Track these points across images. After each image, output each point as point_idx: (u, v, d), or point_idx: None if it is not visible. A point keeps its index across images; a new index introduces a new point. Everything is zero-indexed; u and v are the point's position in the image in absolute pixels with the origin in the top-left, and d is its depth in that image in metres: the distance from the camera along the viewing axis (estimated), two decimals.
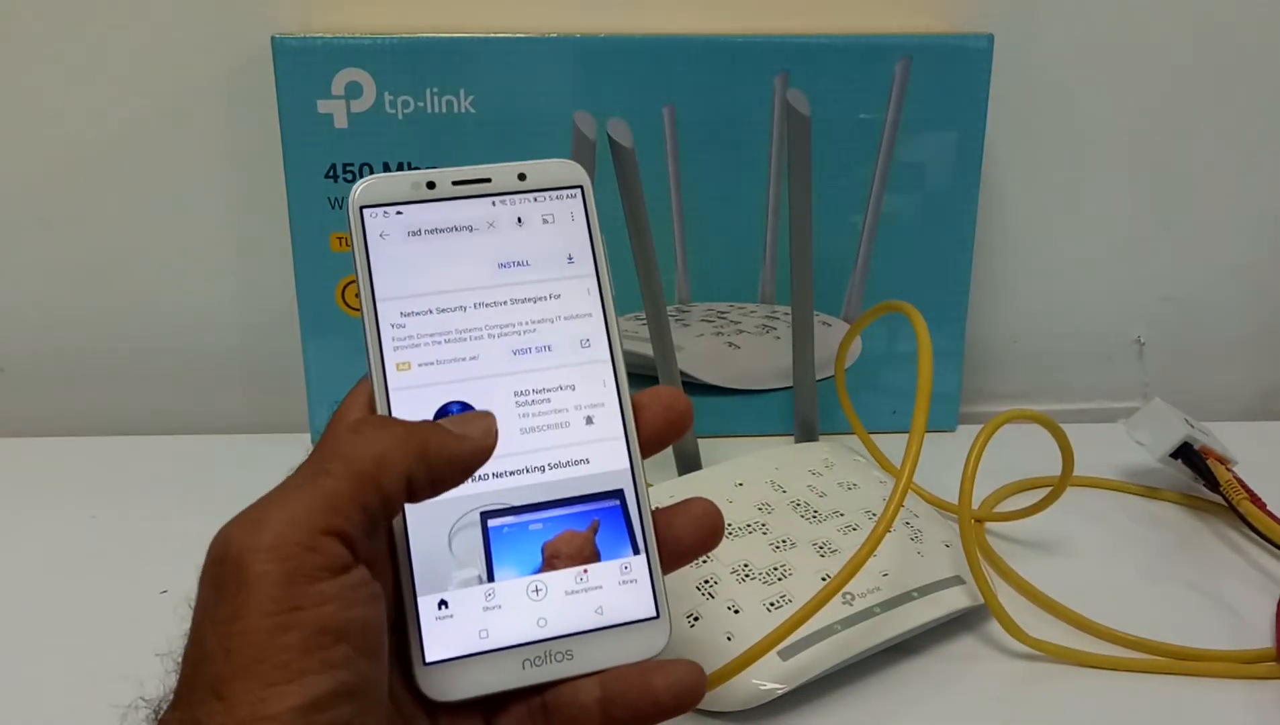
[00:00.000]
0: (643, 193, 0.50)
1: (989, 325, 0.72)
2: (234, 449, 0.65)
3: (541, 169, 0.36)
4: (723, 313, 0.65)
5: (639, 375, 0.62)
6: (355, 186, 0.34)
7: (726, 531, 0.48)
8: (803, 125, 0.52)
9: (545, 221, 0.36)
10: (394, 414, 0.33)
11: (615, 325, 0.35)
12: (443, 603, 0.32)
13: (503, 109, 0.59)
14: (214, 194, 0.66)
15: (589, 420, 0.35)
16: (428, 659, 0.31)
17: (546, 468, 0.34)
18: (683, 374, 0.57)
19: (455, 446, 0.30)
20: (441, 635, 0.32)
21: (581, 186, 0.36)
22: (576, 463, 0.34)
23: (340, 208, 0.60)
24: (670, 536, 0.34)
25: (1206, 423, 0.61)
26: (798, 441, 0.60)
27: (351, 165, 0.59)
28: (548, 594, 0.33)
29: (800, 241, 0.55)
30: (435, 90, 0.59)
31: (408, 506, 0.31)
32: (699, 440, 0.57)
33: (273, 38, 0.58)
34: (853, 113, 0.61)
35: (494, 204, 0.35)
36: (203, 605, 0.27)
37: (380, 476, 0.29)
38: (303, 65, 0.58)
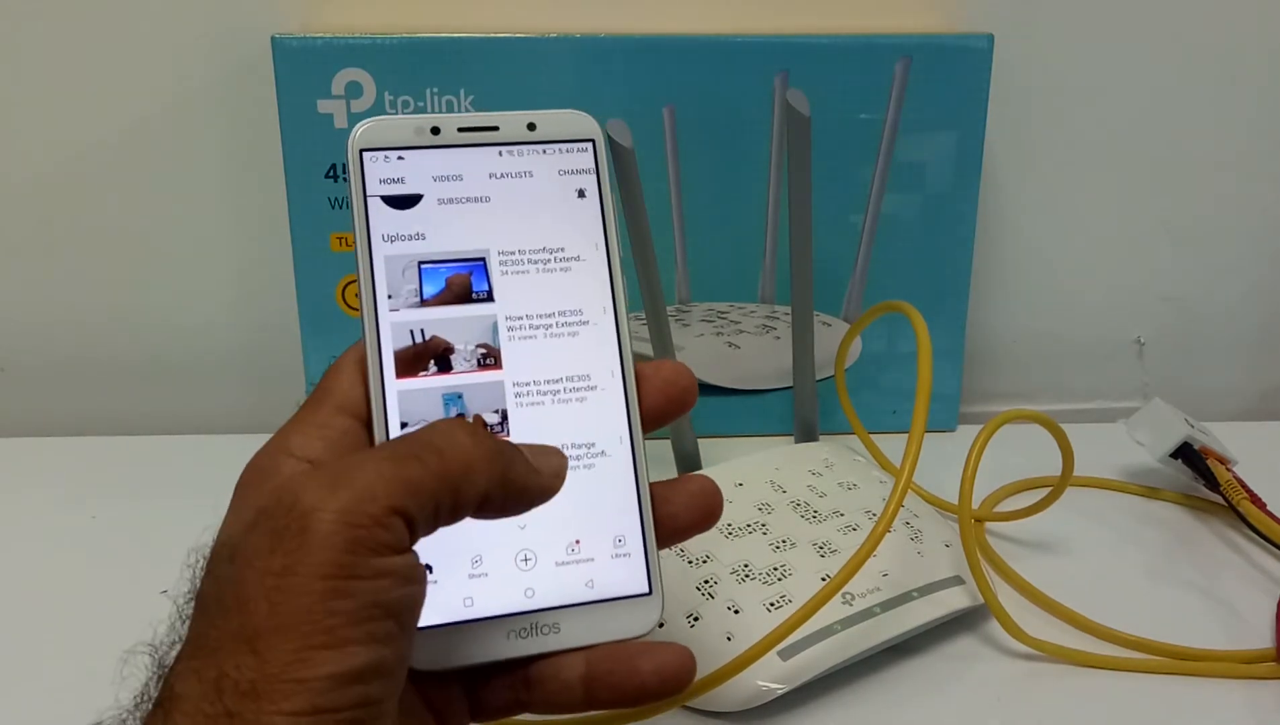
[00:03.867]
0: (643, 193, 0.50)
1: (989, 325, 0.72)
2: (234, 449, 0.64)
3: (552, 120, 0.34)
4: (723, 313, 0.65)
5: None
6: (355, 128, 0.32)
7: (727, 531, 0.48)
8: (803, 125, 0.52)
9: (558, 174, 0.34)
10: (385, 364, 0.32)
11: (622, 292, 0.34)
12: (427, 567, 0.31)
13: (503, 109, 0.59)
14: (214, 194, 0.66)
15: (590, 388, 0.34)
16: None
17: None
18: None
19: (531, 479, 0.30)
20: (425, 601, 0.30)
21: (593, 140, 0.34)
22: (578, 443, 0.33)
23: (341, 208, 0.60)
24: (666, 513, 0.34)
25: (1206, 423, 0.61)
26: (798, 441, 0.60)
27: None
28: (536, 563, 0.32)
29: (800, 241, 0.55)
30: (435, 90, 0.59)
31: None
32: (699, 440, 0.57)
33: (273, 38, 0.58)
34: (853, 113, 0.61)
35: (500, 154, 0.34)
36: (251, 550, 0.26)
37: (463, 484, 0.28)
38: (303, 65, 0.58)
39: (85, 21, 0.63)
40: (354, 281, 0.36)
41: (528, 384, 0.33)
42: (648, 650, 0.32)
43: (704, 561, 0.47)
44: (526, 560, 0.32)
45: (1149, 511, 0.60)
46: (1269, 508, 0.55)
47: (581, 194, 0.34)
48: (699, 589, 0.46)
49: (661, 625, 0.33)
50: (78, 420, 0.69)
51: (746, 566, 0.47)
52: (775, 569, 0.47)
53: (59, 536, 0.56)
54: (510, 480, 0.29)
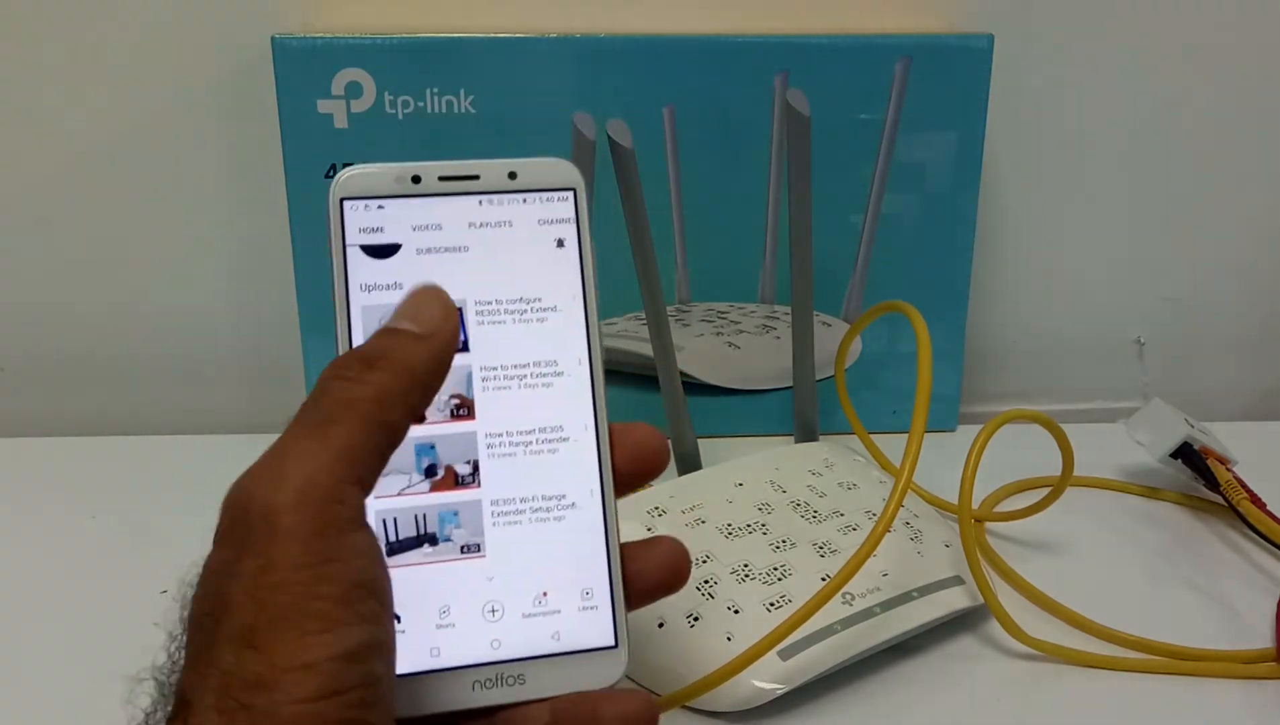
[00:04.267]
0: (643, 193, 0.50)
1: (989, 325, 0.72)
2: (234, 449, 0.64)
3: (532, 168, 0.34)
4: (723, 313, 0.65)
5: (639, 375, 0.62)
6: (337, 177, 0.33)
7: (726, 531, 0.48)
8: (803, 125, 0.52)
9: (537, 224, 0.34)
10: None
11: (598, 344, 0.34)
12: (396, 618, 0.30)
13: (503, 109, 0.59)
14: (214, 194, 0.66)
15: (563, 439, 0.33)
16: None
17: (512, 500, 0.33)
18: (683, 374, 0.57)
19: (429, 350, 0.30)
20: None
21: (574, 190, 0.34)
22: (549, 495, 0.33)
23: None
24: (635, 570, 0.34)
25: (1206, 423, 0.61)
26: (798, 441, 0.60)
27: (351, 166, 0.59)
28: (504, 615, 0.32)
29: (800, 241, 0.55)
30: (435, 90, 0.59)
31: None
32: (699, 440, 0.57)
33: (273, 38, 0.58)
34: (853, 113, 0.61)
35: (480, 203, 0.34)
36: (222, 563, 0.26)
37: (385, 414, 0.28)
38: (303, 65, 0.58)
39: (85, 21, 0.63)
40: None
41: (500, 435, 0.33)
42: (610, 698, 0.32)
43: (704, 561, 0.47)
44: (494, 612, 0.32)
45: (1149, 511, 0.60)
46: (1269, 508, 0.55)
47: (560, 243, 0.34)
48: (699, 589, 0.46)
49: (627, 677, 0.33)
50: (78, 420, 0.69)
51: (746, 566, 0.47)
52: (775, 569, 0.47)
53: (59, 536, 0.56)
54: (418, 370, 0.29)
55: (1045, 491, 0.53)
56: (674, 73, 0.60)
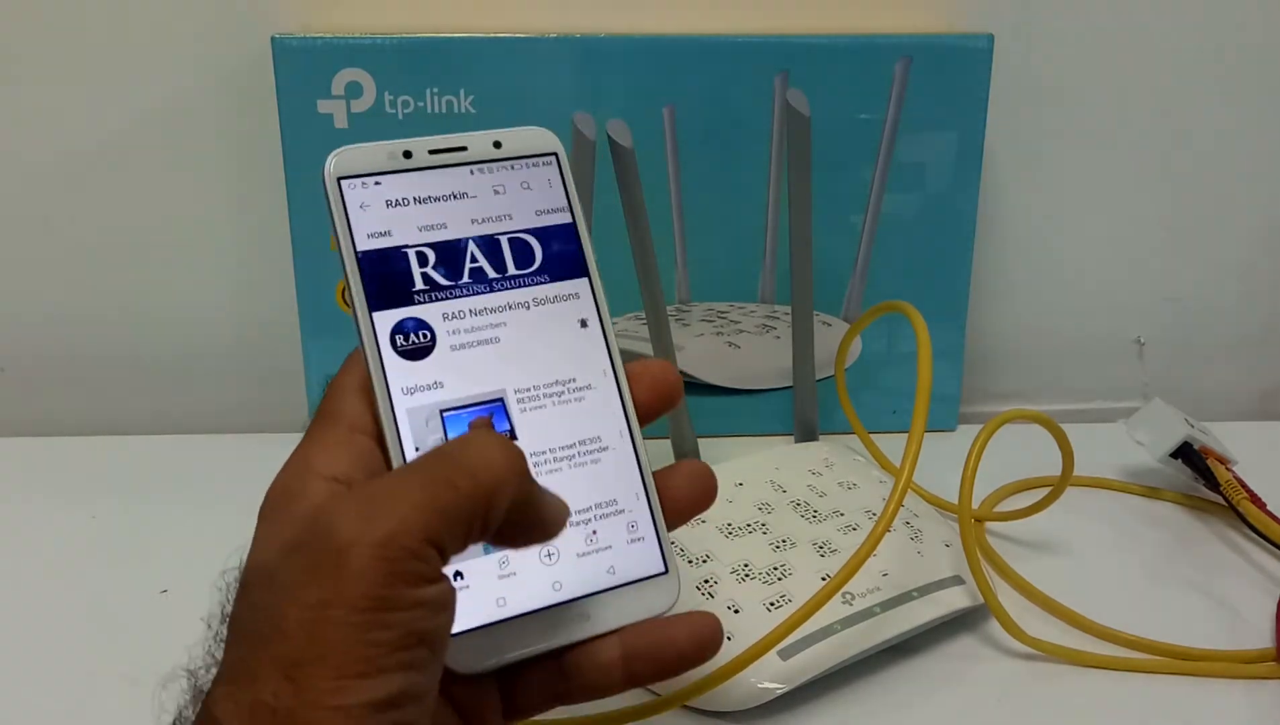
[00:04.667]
0: (643, 193, 0.50)
1: (989, 325, 0.72)
2: (234, 449, 0.65)
3: (516, 137, 0.36)
4: (723, 313, 0.65)
5: None
6: (329, 158, 0.33)
7: (727, 531, 0.48)
8: (803, 125, 0.52)
9: (524, 188, 0.35)
10: (393, 392, 0.32)
11: (602, 293, 0.35)
12: (458, 574, 0.32)
13: (503, 109, 0.59)
14: (214, 194, 0.66)
15: (586, 392, 0.35)
16: None
17: (554, 449, 0.34)
18: (683, 374, 0.57)
19: (546, 511, 0.30)
20: (459, 606, 0.31)
21: (556, 154, 0.36)
22: (585, 441, 0.34)
23: None
24: (666, 495, 0.35)
25: (1206, 423, 0.61)
26: (798, 441, 0.60)
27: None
28: (559, 558, 0.33)
29: (800, 241, 0.55)
30: (435, 90, 0.59)
31: None
32: (699, 440, 0.57)
33: (273, 38, 0.58)
34: (853, 113, 0.61)
35: (472, 172, 0.35)
36: (288, 583, 0.26)
37: (493, 504, 0.28)
38: (303, 65, 0.58)
39: (85, 21, 0.63)
40: None
41: (528, 390, 0.34)
42: (679, 620, 0.33)
43: (704, 561, 0.47)
44: (550, 555, 0.33)
45: (1149, 511, 0.60)
46: (1269, 508, 0.55)
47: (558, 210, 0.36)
48: (699, 589, 0.46)
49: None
50: (78, 420, 0.69)
51: (746, 566, 0.47)
52: (775, 569, 0.47)
53: (59, 536, 0.56)
54: (530, 505, 0.30)
55: (1045, 491, 0.53)
56: (674, 73, 0.60)
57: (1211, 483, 0.57)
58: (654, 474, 0.35)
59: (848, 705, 0.44)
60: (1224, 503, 0.57)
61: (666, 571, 0.34)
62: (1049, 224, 0.70)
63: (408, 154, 0.34)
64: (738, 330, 0.65)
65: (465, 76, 0.59)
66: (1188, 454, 0.58)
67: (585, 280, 0.35)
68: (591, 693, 0.33)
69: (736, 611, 0.45)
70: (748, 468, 0.54)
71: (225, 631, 0.28)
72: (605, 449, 0.35)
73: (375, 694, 0.26)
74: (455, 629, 0.30)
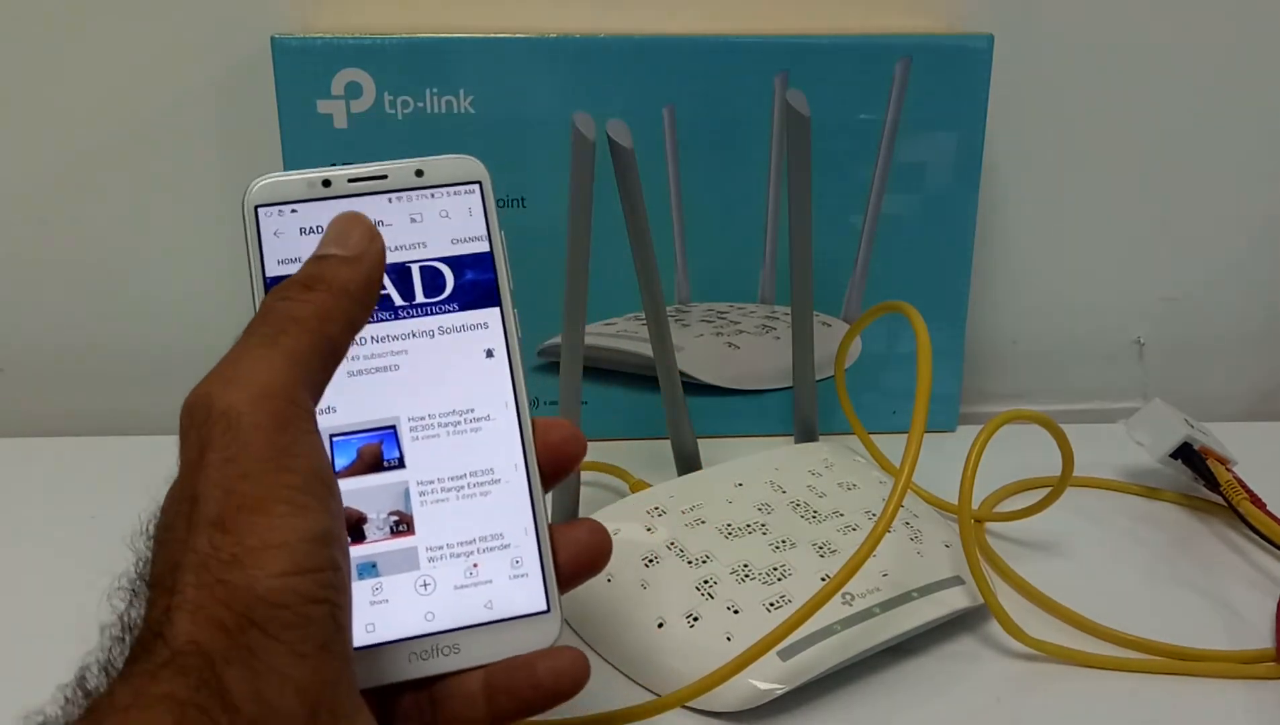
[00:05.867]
0: (643, 193, 0.50)
1: (989, 325, 0.72)
2: None
3: (439, 165, 0.36)
4: (723, 313, 0.65)
5: (639, 375, 0.62)
6: (250, 186, 0.34)
7: (726, 531, 0.48)
8: (803, 125, 0.52)
9: (442, 216, 0.35)
10: None
11: (515, 327, 0.35)
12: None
13: (503, 109, 0.59)
14: (214, 194, 0.66)
15: (484, 423, 0.35)
16: None
17: (442, 479, 0.34)
18: (683, 374, 0.57)
19: (359, 271, 0.31)
20: None
21: (480, 182, 0.36)
22: (476, 472, 0.34)
23: None
24: (562, 545, 0.35)
25: (1206, 423, 0.61)
26: (798, 441, 0.60)
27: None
28: (436, 588, 0.33)
29: (800, 241, 0.54)
30: (435, 90, 0.59)
31: None
32: (699, 440, 0.57)
33: (273, 38, 0.58)
34: (853, 113, 0.61)
35: (390, 201, 0.35)
36: (188, 463, 0.27)
37: (327, 329, 0.30)
38: (303, 65, 0.58)
39: (85, 21, 0.63)
40: None
41: (423, 419, 0.35)
42: (543, 655, 0.33)
43: (704, 561, 0.47)
44: (425, 586, 0.33)
45: (1149, 511, 0.60)
46: (1269, 508, 0.55)
47: (477, 239, 0.36)
48: (699, 589, 0.46)
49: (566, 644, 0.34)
50: (78, 420, 0.69)
51: (746, 566, 0.47)
52: (775, 569, 0.47)
53: (59, 536, 0.56)
54: (353, 289, 0.30)
55: (1045, 491, 0.53)
56: (674, 73, 0.60)
57: (1211, 483, 0.57)
58: (554, 527, 0.35)
59: (848, 705, 0.44)
60: (1224, 503, 0.57)
61: (548, 610, 0.34)
62: (1049, 224, 0.71)
63: (326, 182, 0.34)
64: (738, 330, 0.65)
65: (465, 76, 0.59)
66: (1188, 454, 0.58)
67: (496, 310, 0.35)
68: (457, 724, 0.33)
69: (736, 612, 0.45)
70: (748, 468, 0.54)
71: (153, 543, 0.28)
72: (497, 482, 0.35)
73: (308, 529, 0.26)
74: None
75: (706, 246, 0.63)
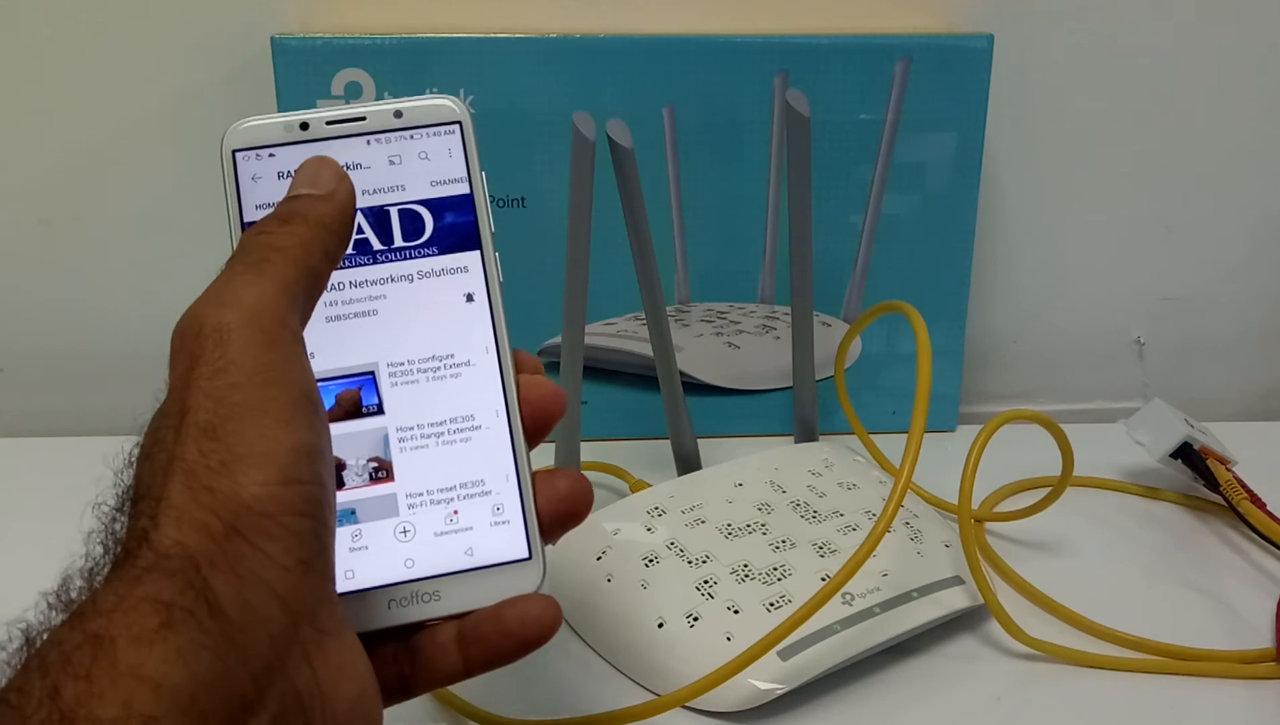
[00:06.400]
0: (642, 193, 0.50)
1: (989, 325, 0.72)
2: None
3: (418, 107, 0.35)
4: (723, 313, 0.65)
5: (639, 375, 0.62)
6: (227, 131, 0.34)
7: (726, 531, 0.48)
8: (803, 125, 0.52)
9: (421, 158, 0.35)
10: None
11: (496, 270, 0.35)
12: None
13: (503, 109, 0.59)
14: (214, 194, 0.66)
15: (464, 369, 0.34)
16: None
17: (421, 426, 0.34)
18: (682, 374, 0.57)
19: (333, 206, 0.32)
20: None
21: (460, 123, 0.35)
22: (456, 418, 0.34)
23: None
24: (543, 493, 0.34)
25: (1206, 423, 0.61)
26: (797, 441, 0.60)
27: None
28: (415, 535, 0.33)
29: (800, 241, 0.55)
30: (435, 90, 0.58)
31: None
32: (699, 440, 0.57)
33: (273, 38, 0.58)
34: (853, 113, 0.61)
35: (369, 143, 0.35)
36: (178, 377, 0.28)
37: (308, 258, 0.30)
38: (303, 65, 0.58)
39: (85, 21, 0.63)
40: None
41: (402, 364, 0.34)
42: (511, 602, 0.32)
43: (704, 561, 0.47)
44: (405, 532, 0.33)
45: (1149, 511, 0.60)
46: (1269, 508, 0.55)
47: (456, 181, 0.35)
48: (699, 589, 0.46)
49: (552, 588, 0.34)
50: (78, 420, 0.69)
51: (746, 566, 0.47)
52: (775, 569, 0.47)
53: (59, 536, 0.56)
54: (327, 222, 0.31)
55: (1045, 491, 0.53)
56: (674, 73, 0.60)
57: (1211, 483, 0.57)
58: (534, 474, 0.34)
59: (848, 705, 0.44)
60: (1224, 503, 0.57)
61: (530, 558, 0.33)
62: (1049, 224, 0.70)
63: (304, 126, 0.34)
64: (738, 330, 0.65)
65: (465, 76, 0.59)
66: (1187, 454, 0.58)
67: (476, 253, 0.35)
68: (434, 679, 0.32)
69: (736, 612, 0.45)
70: (748, 468, 0.54)
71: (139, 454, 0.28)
72: (477, 428, 0.34)
73: (295, 441, 0.26)
74: None
75: (706, 246, 0.63)
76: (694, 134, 0.61)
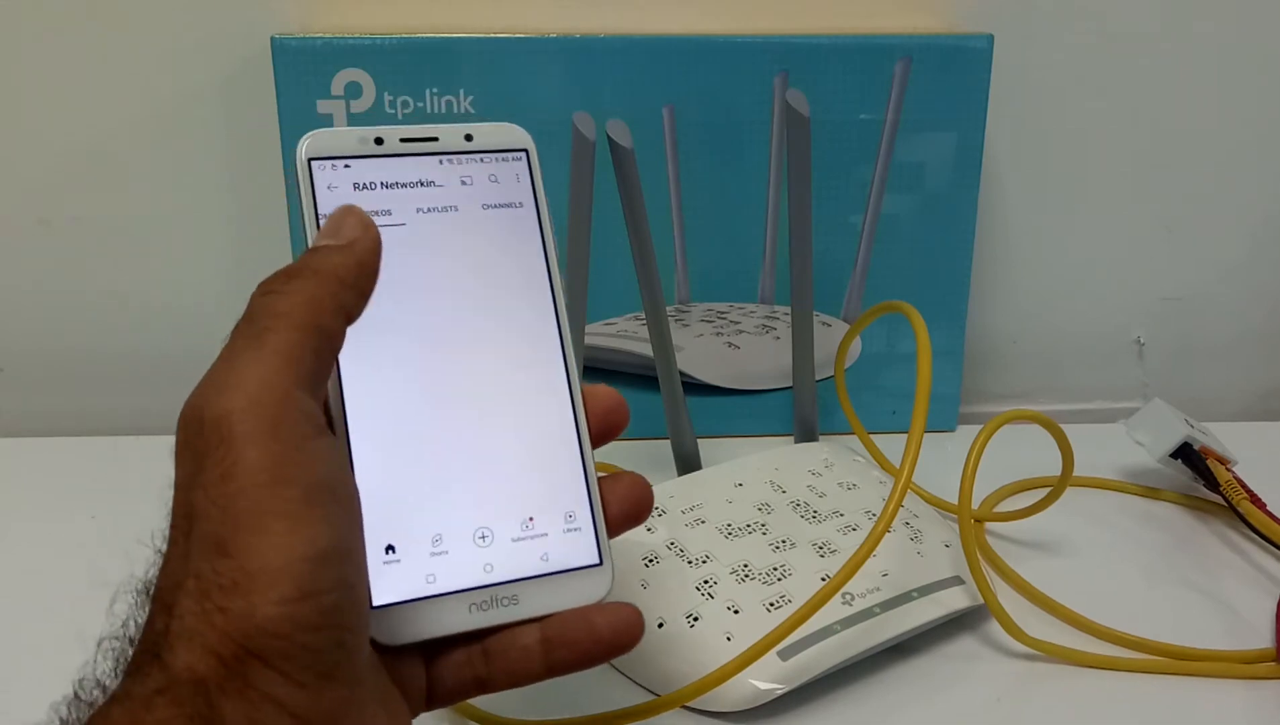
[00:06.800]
0: (642, 193, 0.50)
1: (989, 325, 0.72)
2: None
3: (486, 131, 0.36)
4: (723, 313, 0.65)
5: (639, 375, 0.62)
6: (302, 140, 0.34)
7: (726, 531, 0.48)
8: (803, 125, 0.52)
9: (491, 182, 0.36)
10: (343, 372, 0.33)
11: (561, 294, 0.36)
12: (390, 548, 0.32)
13: (502, 109, 0.59)
14: (214, 194, 0.66)
15: (533, 393, 0.35)
16: (375, 602, 0.31)
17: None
18: (683, 374, 0.57)
19: (351, 256, 0.30)
20: (388, 579, 0.32)
21: (526, 150, 0.36)
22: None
23: None
24: (606, 498, 0.35)
25: (1206, 423, 0.61)
26: (797, 441, 0.60)
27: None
28: (494, 540, 0.34)
29: (800, 241, 0.55)
30: (435, 90, 0.59)
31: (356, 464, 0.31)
32: (699, 440, 0.57)
33: (273, 38, 0.58)
34: (853, 113, 0.61)
35: (441, 162, 0.35)
36: (184, 478, 0.27)
37: (318, 318, 0.29)
38: (303, 65, 0.58)
39: (86, 21, 0.63)
40: None
41: None
42: (600, 609, 0.33)
43: (704, 561, 0.47)
44: (484, 538, 0.34)
45: (1149, 511, 0.60)
46: (1269, 508, 0.55)
47: (519, 205, 0.36)
48: (699, 589, 0.46)
49: (617, 594, 0.35)
50: (78, 420, 0.69)
51: (746, 566, 0.47)
52: (775, 569, 0.47)
53: (59, 536, 0.56)
54: (344, 275, 0.30)
55: (1045, 491, 0.53)
56: (674, 73, 0.60)
57: (1211, 483, 0.57)
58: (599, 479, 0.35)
59: (848, 705, 0.44)
60: (1224, 503, 0.57)
61: (600, 563, 0.34)
62: (1049, 224, 0.71)
63: (379, 140, 0.35)
64: (738, 330, 0.65)
65: (465, 76, 0.59)
66: (1187, 454, 0.58)
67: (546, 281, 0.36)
68: (512, 678, 0.33)
69: (736, 612, 0.45)
70: (748, 468, 0.54)
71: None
72: (550, 437, 0.35)
73: (309, 548, 0.25)
74: (383, 601, 0.31)
75: (706, 246, 0.63)
76: (694, 134, 0.61)
